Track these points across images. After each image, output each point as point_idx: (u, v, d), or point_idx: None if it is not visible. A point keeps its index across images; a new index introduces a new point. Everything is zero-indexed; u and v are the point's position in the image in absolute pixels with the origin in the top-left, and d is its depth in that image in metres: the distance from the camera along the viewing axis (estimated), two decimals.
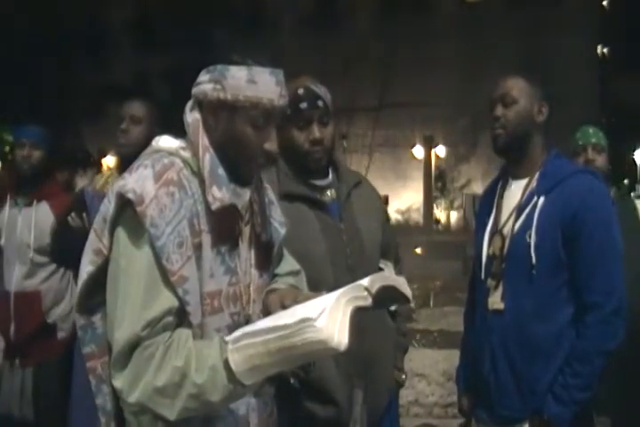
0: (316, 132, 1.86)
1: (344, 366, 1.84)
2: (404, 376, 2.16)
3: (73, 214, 2.43)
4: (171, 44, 14.64)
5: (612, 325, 1.76)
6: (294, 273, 1.55)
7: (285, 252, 1.58)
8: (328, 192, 1.97)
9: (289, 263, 1.57)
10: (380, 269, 2.03)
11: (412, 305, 2.17)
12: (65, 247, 2.51)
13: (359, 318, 1.88)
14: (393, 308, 2.08)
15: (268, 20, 17.17)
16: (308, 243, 1.86)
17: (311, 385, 1.81)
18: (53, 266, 2.76)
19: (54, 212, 2.75)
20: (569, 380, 1.77)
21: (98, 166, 17.87)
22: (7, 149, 16.13)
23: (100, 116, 16.14)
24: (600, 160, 2.67)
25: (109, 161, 18.16)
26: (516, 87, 1.90)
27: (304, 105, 1.85)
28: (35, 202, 2.76)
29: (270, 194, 1.50)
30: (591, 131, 2.72)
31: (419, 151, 18.23)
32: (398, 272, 2.17)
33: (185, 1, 15.85)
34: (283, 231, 1.49)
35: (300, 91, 1.86)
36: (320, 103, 1.88)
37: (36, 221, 2.73)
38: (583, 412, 1.83)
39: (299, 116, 1.86)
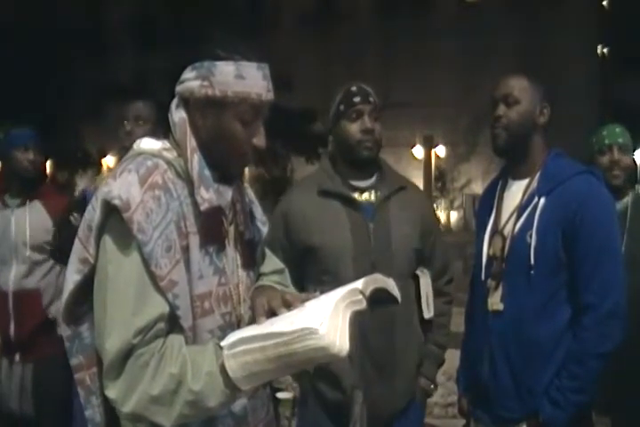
0: (367, 122, 1.98)
1: (357, 360, 1.87)
2: (432, 386, 2.12)
3: (75, 215, 2.44)
4: (170, 43, 14.63)
5: (607, 326, 1.74)
6: (279, 271, 1.54)
7: (268, 251, 1.58)
8: (367, 193, 2.04)
9: (273, 262, 1.57)
10: (416, 276, 2.06)
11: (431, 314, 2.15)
12: (66, 246, 2.52)
13: (385, 320, 1.90)
14: (427, 317, 2.07)
15: (268, 20, 17.15)
16: (334, 238, 1.95)
17: (322, 368, 1.83)
18: (50, 263, 2.77)
19: (48, 211, 2.77)
20: (564, 382, 1.76)
21: (98, 166, 17.86)
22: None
23: (100, 116, 16.12)
24: (625, 161, 2.50)
25: (109, 161, 18.15)
26: (519, 87, 1.88)
27: (357, 99, 1.99)
28: (27, 202, 2.78)
29: (250, 193, 1.50)
30: (618, 130, 2.54)
31: (419, 151, 18.17)
32: (444, 283, 2.20)
33: (185, 1, 15.83)
34: (265, 230, 1.49)
35: (353, 88, 2.02)
36: (371, 99, 2.01)
37: (30, 220, 2.75)
38: (582, 413, 1.82)
39: (351, 109, 1.99)
